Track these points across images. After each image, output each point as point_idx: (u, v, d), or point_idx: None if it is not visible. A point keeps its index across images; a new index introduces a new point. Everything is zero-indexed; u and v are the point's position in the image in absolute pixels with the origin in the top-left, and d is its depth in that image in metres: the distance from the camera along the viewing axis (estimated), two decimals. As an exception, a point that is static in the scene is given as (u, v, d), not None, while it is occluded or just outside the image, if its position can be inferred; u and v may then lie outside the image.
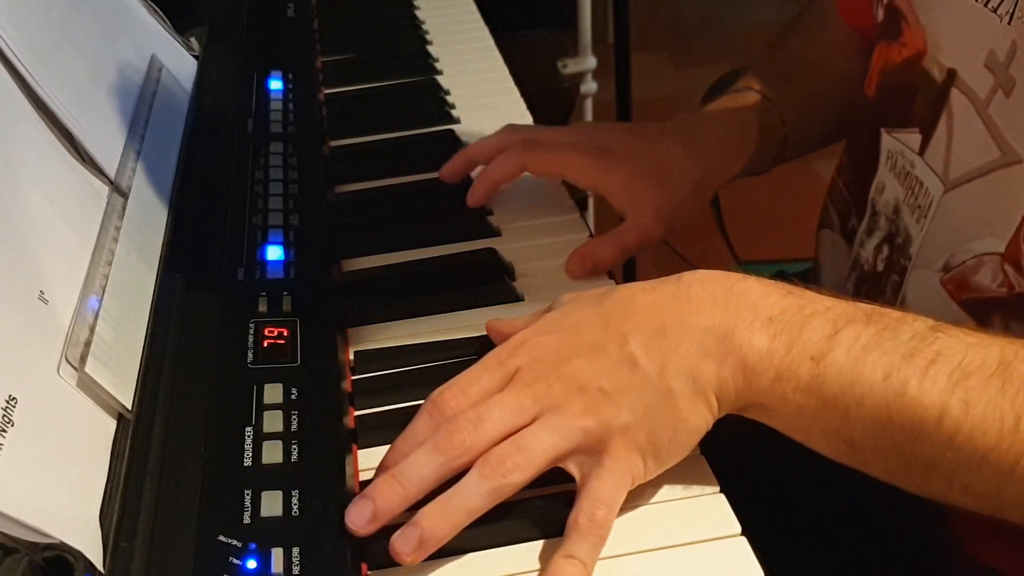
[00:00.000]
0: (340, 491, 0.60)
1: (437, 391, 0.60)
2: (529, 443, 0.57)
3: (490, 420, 0.57)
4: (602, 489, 0.57)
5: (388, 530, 0.59)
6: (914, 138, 0.76)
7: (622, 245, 0.81)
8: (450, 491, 0.56)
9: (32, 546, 0.51)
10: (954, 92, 0.72)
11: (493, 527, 0.58)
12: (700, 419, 0.58)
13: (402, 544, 0.55)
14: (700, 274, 0.61)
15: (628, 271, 1.93)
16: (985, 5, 0.68)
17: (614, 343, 0.59)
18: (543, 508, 0.59)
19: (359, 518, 0.57)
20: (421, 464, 0.57)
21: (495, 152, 0.85)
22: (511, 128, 0.87)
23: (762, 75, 0.91)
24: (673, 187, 0.82)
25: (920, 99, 0.75)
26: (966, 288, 0.72)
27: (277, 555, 0.55)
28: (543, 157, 0.82)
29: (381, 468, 0.60)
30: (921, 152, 0.75)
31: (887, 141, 0.80)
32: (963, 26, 0.71)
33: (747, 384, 0.57)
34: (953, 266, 0.72)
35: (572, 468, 0.58)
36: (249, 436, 0.62)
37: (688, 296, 0.59)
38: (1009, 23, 0.66)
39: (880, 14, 0.81)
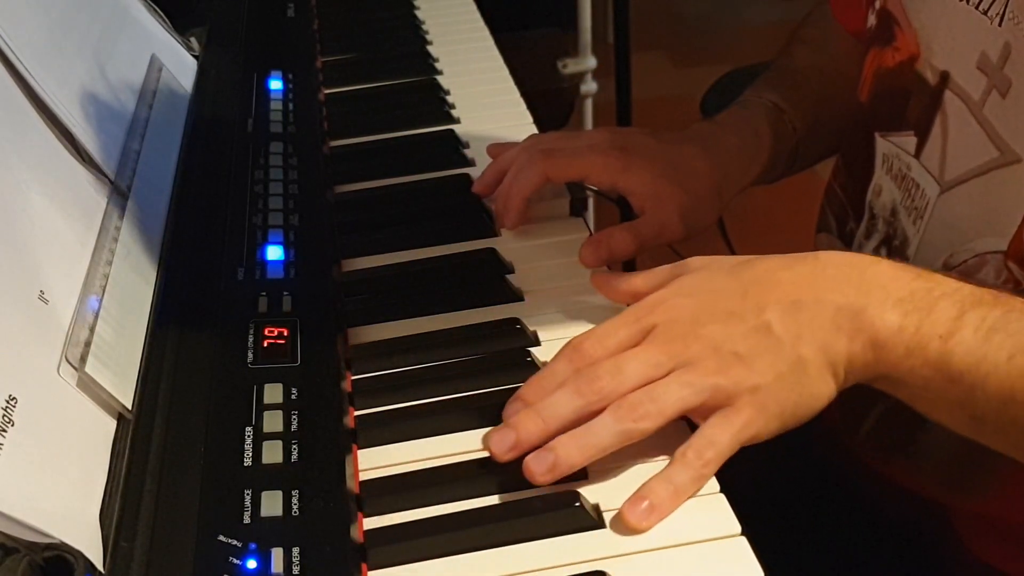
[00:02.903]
0: (340, 491, 0.59)
1: (577, 338, 0.64)
2: (660, 393, 0.60)
3: (628, 370, 0.61)
4: (717, 434, 0.60)
5: (390, 530, 0.59)
6: (909, 141, 0.76)
7: (639, 236, 0.80)
8: (584, 427, 0.60)
9: (32, 546, 0.51)
10: (948, 94, 0.72)
11: (493, 527, 0.58)
12: (826, 388, 0.61)
13: (537, 465, 0.60)
14: (836, 255, 0.64)
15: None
16: (976, 7, 0.68)
17: (751, 312, 0.62)
18: (543, 508, 0.59)
19: (501, 444, 0.61)
20: (563, 403, 0.61)
21: (537, 184, 0.83)
22: (534, 138, 0.87)
23: (771, 84, 0.91)
24: (693, 188, 0.82)
25: (914, 102, 0.75)
26: None
27: (277, 555, 0.55)
28: (563, 162, 0.82)
29: (518, 400, 0.64)
30: (917, 154, 0.75)
31: (882, 144, 0.80)
32: (955, 28, 0.71)
33: (877, 358, 0.60)
34: (953, 266, 0.72)
35: (697, 420, 0.61)
36: (249, 436, 0.62)
37: (824, 274, 0.62)
38: (1000, 24, 0.67)
39: (872, 20, 0.82)
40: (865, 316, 0.60)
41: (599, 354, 0.63)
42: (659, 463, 0.62)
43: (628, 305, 0.68)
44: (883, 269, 0.62)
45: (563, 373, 0.63)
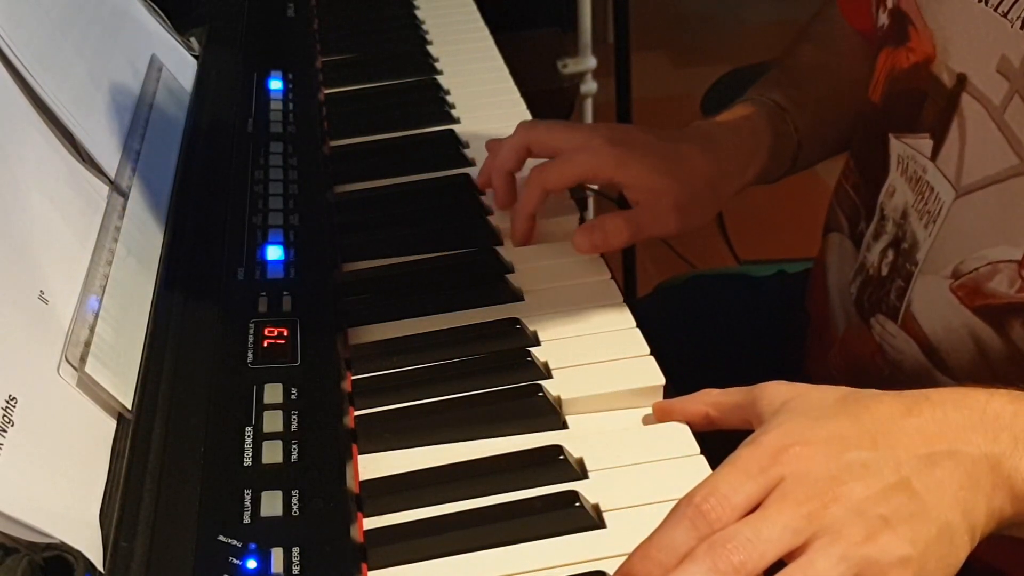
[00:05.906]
0: (340, 491, 0.59)
1: (699, 495, 0.54)
2: (819, 574, 0.52)
3: (766, 539, 0.53)
4: None
5: (390, 530, 0.59)
6: (925, 143, 0.75)
7: (633, 224, 0.80)
8: None
9: (32, 546, 0.51)
10: (965, 98, 0.71)
11: (493, 527, 0.58)
12: (963, 554, 0.56)
13: None
14: (945, 393, 0.59)
15: (628, 271, 1.93)
16: (995, 9, 0.68)
17: (888, 466, 0.55)
18: (543, 508, 0.59)
19: None
20: None
21: (515, 156, 0.84)
22: (528, 123, 0.86)
23: (775, 83, 0.91)
24: (689, 183, 0.81)
25: (929, 105, 0.75)
26: (979, 295, 0.71)
27: (277, 555, 0.55)
28: (558, 174, 0.81)
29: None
30: (933, 157, 0.74)
31: (896, 146, 0.79)
32: (973, 31, 0.70)
33: (1016, 511, 0.57)
34: (963, 273, 0.72)
35: None
36: (249, 436, 0.62)
37: (948, 421, 0.57)
38: (1022, 28, 0.66)
39: (884, 20, 0.81)
40: (1002, 468, 0.56)
41: (726, 516, 0.54)
42: (659, 463, 0.62)
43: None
44: (1000, 403, 0.58)
45: (685, 541, 0.53)
